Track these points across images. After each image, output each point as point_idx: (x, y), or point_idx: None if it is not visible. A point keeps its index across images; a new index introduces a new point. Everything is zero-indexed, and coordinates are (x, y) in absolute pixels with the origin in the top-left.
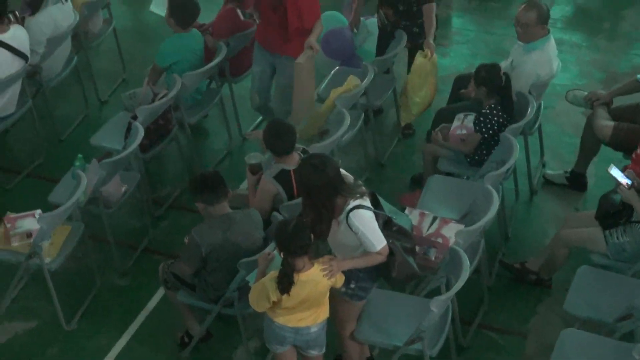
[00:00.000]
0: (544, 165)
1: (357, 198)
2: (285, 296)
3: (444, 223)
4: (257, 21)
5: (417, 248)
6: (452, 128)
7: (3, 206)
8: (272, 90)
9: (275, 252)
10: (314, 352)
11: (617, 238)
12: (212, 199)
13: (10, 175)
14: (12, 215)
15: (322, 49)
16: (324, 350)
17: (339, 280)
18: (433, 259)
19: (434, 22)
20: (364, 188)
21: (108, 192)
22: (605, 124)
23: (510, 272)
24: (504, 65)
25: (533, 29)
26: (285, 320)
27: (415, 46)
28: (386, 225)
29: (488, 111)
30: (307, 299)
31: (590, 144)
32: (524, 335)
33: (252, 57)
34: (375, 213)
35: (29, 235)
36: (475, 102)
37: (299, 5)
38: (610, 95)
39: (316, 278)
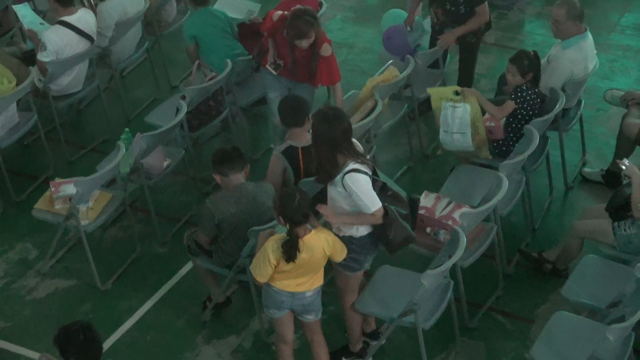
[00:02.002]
0: (584, 164)
1: (357, 162)
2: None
3: (457, 207)
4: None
5: (428, 229)
6: (482, 119)
7: (63, 176)
8: None
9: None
10: (310, 317)
11: (625, 230)
12: (227, 171)
13: (78, 149)
14: (58, 180)
15: (383, 44)
16: (320, 316)
17: (340, 253)
18: (442, 240)
19: (478, 24)
20: (367, 158)
21: (149, 164)
22: (633, 122)
23: (528, 261)
24: (542, 62)
25: (563, 25)
26: (283, 285)
27: (465, 44)
28: (382, 190)
29: (524, 87)
30: (303, 264)
31: (624, 144)
32: (531, 321)
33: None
34: (372, 179)
35: (71, 199)
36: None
37: (330, 66)
38: None
39: (314, 244)
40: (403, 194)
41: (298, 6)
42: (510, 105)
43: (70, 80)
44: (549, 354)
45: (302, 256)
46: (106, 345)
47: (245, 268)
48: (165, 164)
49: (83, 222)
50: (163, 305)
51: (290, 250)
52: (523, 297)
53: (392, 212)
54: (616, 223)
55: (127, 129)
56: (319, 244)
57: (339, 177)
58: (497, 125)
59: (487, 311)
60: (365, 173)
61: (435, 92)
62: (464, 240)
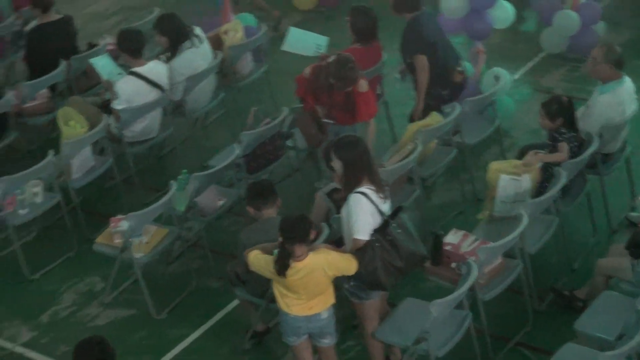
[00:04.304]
0: (633, 208)
1: (371, 189)
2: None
3: (482, 244)
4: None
5: (453, 264)
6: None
7: None
8: None
9: None
10: (326, 341)
11: None
12: (260, 205)
13: (155, 193)
14: (119, 216)
15: None
16: (335, 340)
17: (348, 268)
18: (463, 274)
19: (424, 81)
20: (387, 189)
21: (203, 203)
22: None
23: (560, 298)
24: (581, 109)
25: (599, 66)
26: (298, 310)
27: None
28: (382, 230)
29: (562, 129)
30: (305, 286)
31: None
32: None
33: None
34: (379, 212)
35: None
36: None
37: (368, 101)
38: None
39: (312, 267)
40: (416, 245)
41: (337, 56)
42: (564, 146)
43: (144, 127)
44: None
45: (301, 276)
46: None
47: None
48: (220, 203)
49: (137, 255)
50: (211, 334)
51: (280, 264)
52: (552, 333)
53: (372, 253)
54: (635, 261)
55: (184, 171)
56: (317, 265)
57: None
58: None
59: (515, 346)
60: (373, 202)
61: (495, 167)
62: (475, 272)
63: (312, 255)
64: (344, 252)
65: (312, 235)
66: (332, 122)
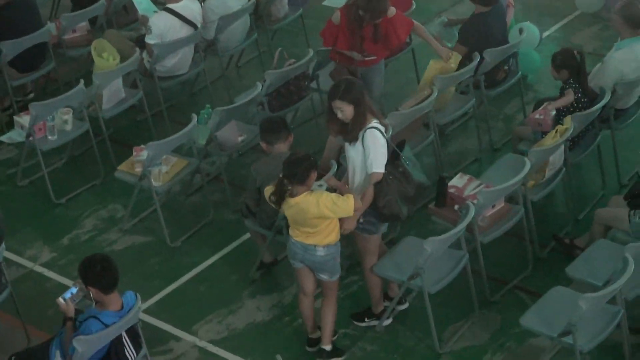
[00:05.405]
0: None
1: (378, 122)
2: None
3: (485, 188)
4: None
5: (456, 207)
6: (532, 112)
7: None
8: None
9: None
10: (324, 277)
11: (639, 218)
12: (272, 140)
13: (182, 127)
14: (142, 146)
15: None
16: (335, 278)
17: (341, 212)
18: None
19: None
20: (387, 122)
21: (223, 137)
22: None
23: (562, 246)
24: (598, 65)
25: (615, 18)
26: (294, 234)
27: None
28: (393, 162)
29: (570, 81)
30: (295, 220)
31: None
32: None
33: None
34: (389, 145)
35: None
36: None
37: (400, 21)
38: None
39: (302, 206)
40: (421, 177)
41: None
42: (569, 91)
43: (175, 63)
44: (536, 321)
45: (292, 212)
46: (163, 292)
47: (282, 229)
48: (240, 138)
49: (155, 183)
50: (222, 263)
51: (277, 196)
52: (551, 279)
53: (387, 185)
54: (632, 211)
55: (207, 105)
56: (307, 205)
57: (361, 133)
58: (545, 119)
59: (512, 289)
60: (384, 136)
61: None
62: (472, 213)
63: (305, 195)
64: (344, 192)
65: (312, 177)
66: (373, 57)
